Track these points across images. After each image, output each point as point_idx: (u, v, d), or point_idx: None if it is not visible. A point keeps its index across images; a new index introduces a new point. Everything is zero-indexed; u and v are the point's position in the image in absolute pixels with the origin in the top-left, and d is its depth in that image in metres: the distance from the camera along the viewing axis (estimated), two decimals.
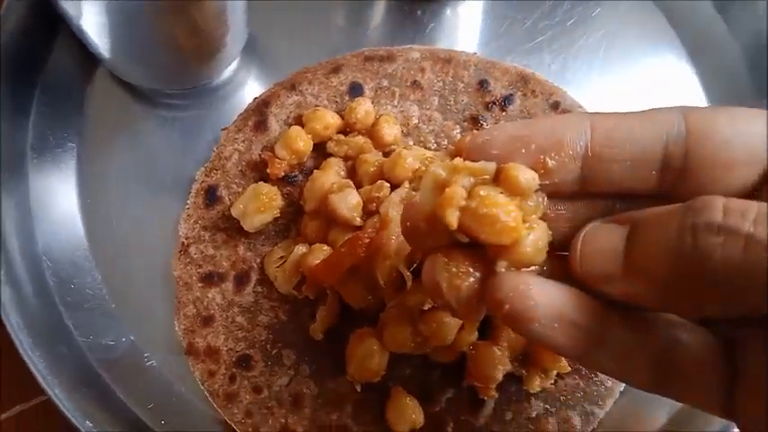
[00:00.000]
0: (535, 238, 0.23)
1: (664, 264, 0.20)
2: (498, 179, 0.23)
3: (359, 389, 0.37)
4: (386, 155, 0.41)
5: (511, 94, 0.44)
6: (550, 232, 0.24)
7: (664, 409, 0.40)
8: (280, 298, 0.40)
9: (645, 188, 0.24)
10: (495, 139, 0.24)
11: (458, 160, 0.24)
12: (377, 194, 0.37)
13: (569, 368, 0.37)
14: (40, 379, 0.36)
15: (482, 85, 0.44)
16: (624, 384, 0.39)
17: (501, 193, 0.23)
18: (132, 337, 0.40)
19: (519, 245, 0.22)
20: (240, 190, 0.42)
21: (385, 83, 0.44)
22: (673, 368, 0.23)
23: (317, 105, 0.43)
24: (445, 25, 0.48)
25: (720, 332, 0.23)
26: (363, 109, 0.42)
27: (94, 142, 0.45)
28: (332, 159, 0.41)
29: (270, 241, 0.41)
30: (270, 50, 0.48)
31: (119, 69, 0.44)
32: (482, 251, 0.23)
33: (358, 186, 0.39)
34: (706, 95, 0.48)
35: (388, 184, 0.38)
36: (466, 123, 0.43)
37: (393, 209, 0.35)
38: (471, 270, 0.23)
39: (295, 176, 0.42)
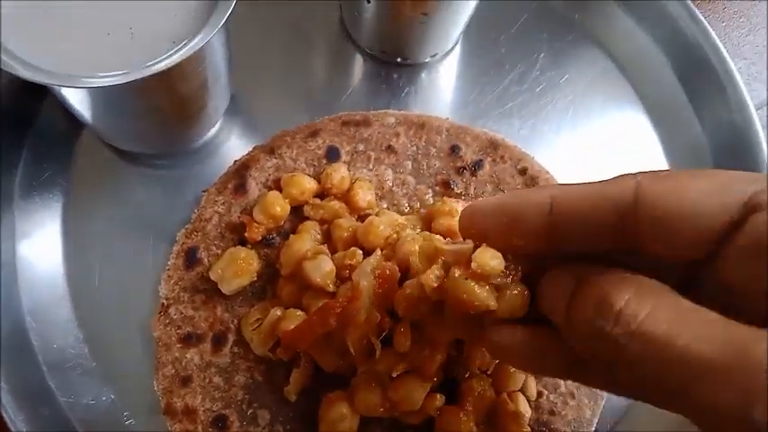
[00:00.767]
0: (510, 305, 0.29)
1: (587, 330, 0.25)
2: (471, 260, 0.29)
3: None
4: (360, 219, 0.42)
5: (481, 160, 0.46)
6: (527, 291, 0.29)
7: None
8: (256, 359, 0.41)
9: (603, 249, 0.26)
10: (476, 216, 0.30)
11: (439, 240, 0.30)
12: (350, 262, 0.39)
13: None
14: None
15: (454, 150, 0.46)
16: None
17: (475, 272, 0.28)
18: (113, 396, 0.41)
19: (497, 311, 0.29)
20: (219, 252, 0.43)
21: (361, 147, 0.46)
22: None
23: (295, 169, 0.45)
24: (420, 89, 0.50)
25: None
26: (339, 175, 0.43)
27: (79, 200, 0.46)
28: (308, 223, 0.43)
29: (247, 302, 0.42)
30: (252, 109, 0.49)
31: (103, 135, 0.46)
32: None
33: (333, 250, 0.41)
34: (666, 156, 0.51)
35: (361, 252, 0.39)
36: (438, 187, 0.45)
37: (364, 279, 0.36)
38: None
39: (272, 239, 0.43)
